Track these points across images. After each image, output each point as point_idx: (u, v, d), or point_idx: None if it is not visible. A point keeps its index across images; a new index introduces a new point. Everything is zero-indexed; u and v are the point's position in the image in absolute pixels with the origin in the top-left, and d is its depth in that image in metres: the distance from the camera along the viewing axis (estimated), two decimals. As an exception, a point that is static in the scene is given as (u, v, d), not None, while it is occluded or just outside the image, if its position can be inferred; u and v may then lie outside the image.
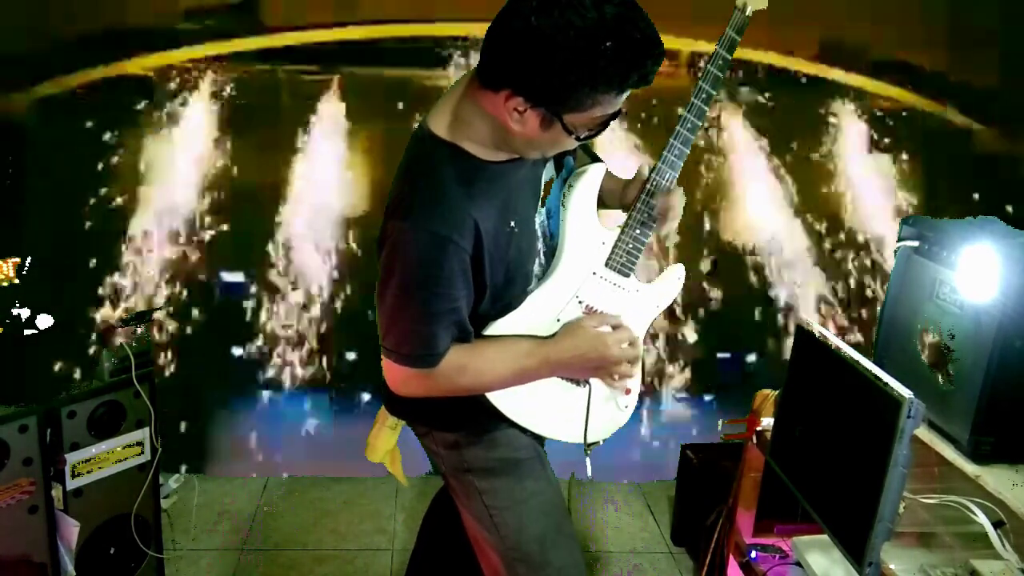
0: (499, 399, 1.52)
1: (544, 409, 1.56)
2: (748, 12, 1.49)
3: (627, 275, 1.55)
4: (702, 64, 2.83)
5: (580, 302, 1.54)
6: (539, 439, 1.64)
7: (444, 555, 1.92)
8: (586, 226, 1.54)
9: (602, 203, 1.59)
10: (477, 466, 1.60)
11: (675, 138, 1.51)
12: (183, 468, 2.99)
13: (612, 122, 1.34)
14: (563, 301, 1.53)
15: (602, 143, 2.47)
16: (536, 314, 1.52)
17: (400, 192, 1.38)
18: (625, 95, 1.28)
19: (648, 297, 1.60)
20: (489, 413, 1.53)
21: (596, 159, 1.61)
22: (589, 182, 1.54)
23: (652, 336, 3.01)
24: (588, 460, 1.62)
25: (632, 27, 1.19)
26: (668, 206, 1.53)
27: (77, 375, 2.84)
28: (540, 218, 1.56)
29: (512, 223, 1.43)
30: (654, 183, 1.52)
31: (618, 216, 1.59)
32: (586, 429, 1.58)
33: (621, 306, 1.56)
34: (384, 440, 1.90)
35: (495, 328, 1.50)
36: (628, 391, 1.62)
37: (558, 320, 1.53)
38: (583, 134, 1.31)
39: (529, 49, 1.19)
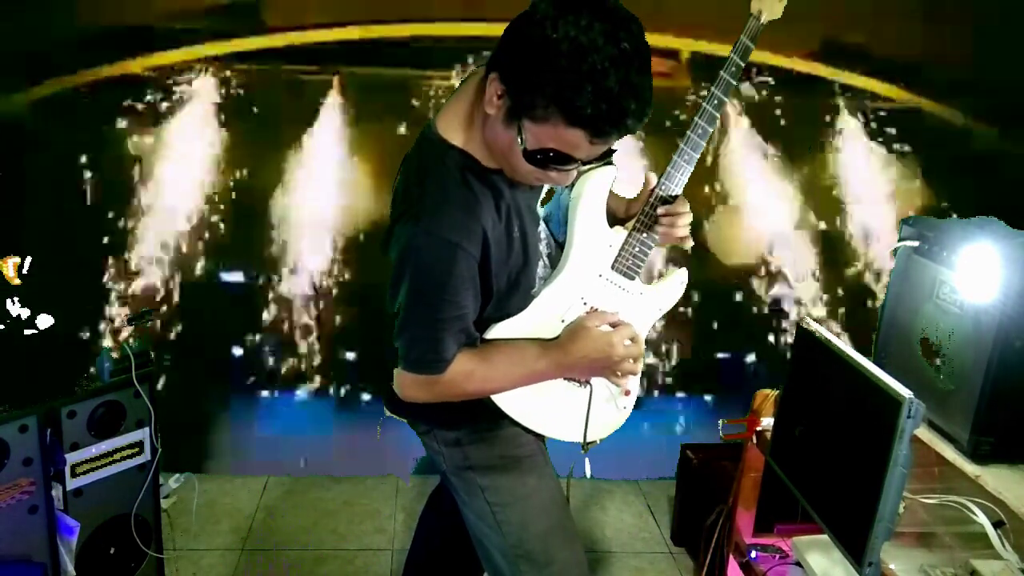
0: (501, 399, 1.52)
1: (546, 409, 1.56)
2: (763, 20, 1.49)
3: (632, 278, 1.55)
4: (693, 61, 2.87)
5: (585, 304, 1.54)
6: (540, 436, 1.64)
7: (441, 554, 1.92)
8: (594, 228, 1.53)
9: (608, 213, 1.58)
10: (479, 463, 1.60)
11: (685, 143, 1.50)
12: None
13: (565, 170, 1.30)
14: (568, 303, 1.53)
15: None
16: (541, 316, 1.52)
17: (409, 195, 1.38)
18: (579, 141, 1.23)
19: (651, 300, 1.60)
20: (491, 411, 1.53)
21: (608, 162, 1.61)
22: (599, 184, 1.53)
23: (651, 337, 3.01)
24: (587, 459, 1.63)
25: (618, 78, 1.16)
26: (671, 214, 1.51)
27: (77, 375, 2.83)
28: (542, 223, 1.56)
29: (516, 227, 1.43)
30: (663, 187, 1.52)
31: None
32: (586, 429, 1.59)
33: (624, 308, 1.56)
34: None
35: (500, 331, 1.50)
36: (627, 392, 1.63)
37: (562, 321, 1.53)
38: (531, 151, 1.26)
39: (532, 42, 1.19)
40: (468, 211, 1.34)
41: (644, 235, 1.53)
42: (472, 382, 1.45)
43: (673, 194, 1.52)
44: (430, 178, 1.36)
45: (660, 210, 1.51)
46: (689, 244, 1.57)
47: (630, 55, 1.18)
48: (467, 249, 1.33)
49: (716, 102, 1.50)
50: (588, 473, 1.62)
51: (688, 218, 1.53)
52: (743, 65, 1.50)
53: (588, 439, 1.60)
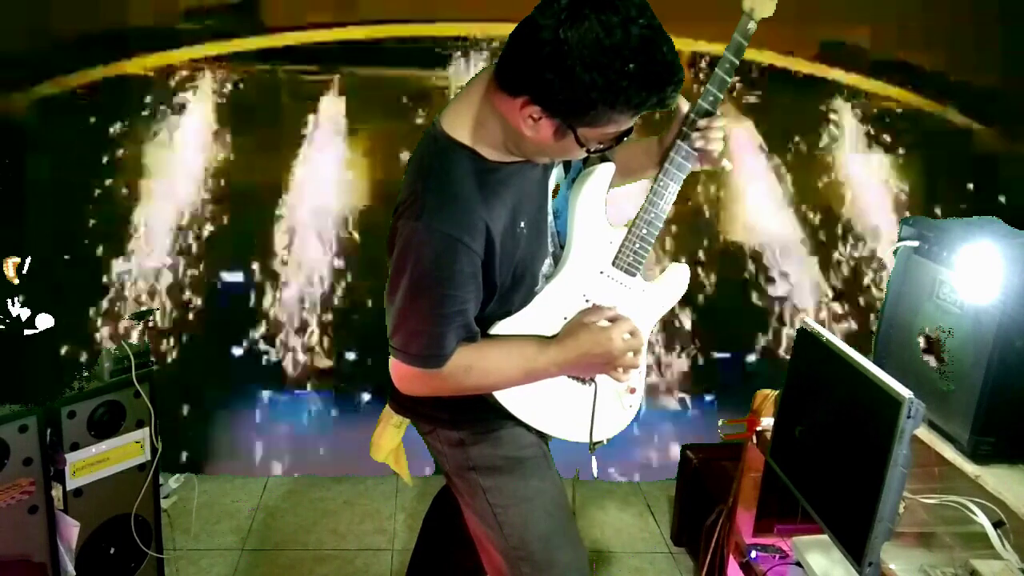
0: (505, 397, 1.52)
1: (550, 408, 1.56)
2: (755, 18, 1.51)
3: (633, 275, 1.56)
4: (703, 64, 2.87)
5: (587, 301, 1.54)
6: (544, 438, 1.64)
7: (445, 555, 1.92)
8: (593, 225, 1.55)
9: (631, 175, 1.63)
10: (482, 464, 1.60)
11: (676, 151, 1.54)
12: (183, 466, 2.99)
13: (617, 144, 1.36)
14: (570, 300, 1.53)
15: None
16: (543, 313, 1.52)
17: (412, 191, 1.38)
18: (628, 120, 1.29)
19: (653, 297, 1.61)
20: (494, 411, 1.53)
21: (605, 159, 1.61)
22: (597, 182, 1.55)
23: (653, 336, 3.01)
24: (594, 459, 1.62)
25: (656, 50, 1.20)
26: (707, 138, 1.53)
27: (77, 375, 2.84)
28: (548, 219, 1.56)
29: (521, 224, 1.44)
30: (661, 183, 1.54)
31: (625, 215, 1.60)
32: (592, 428, 1.58)
33: (626, 305, 1.56)
34: (388, 439, 1.90)
35: (502, 327, 1.50)
36: (633, 390, 1.62)
37: (564, 319, 1.53)
38: (594, 147, 1.33)
39: (553, 61, 1.19)
40: (471, 207, 1.34)
41: (645, 231, 1.54)
42: (471, 377, 1.44)
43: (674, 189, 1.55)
44: (433, 175, 1.37)
45: (701, 122, 1.51)
46: (728, 166, 1.61)
47: (652, 37, 1.19)
48: (469, 244, 1.33)
49: (711, 99, 1.53)
50: (595, 473, 1.62)
51: (722, 131, 1.54)
52: (737, 62, 1.53)
53: (595, 438, 1.60)
